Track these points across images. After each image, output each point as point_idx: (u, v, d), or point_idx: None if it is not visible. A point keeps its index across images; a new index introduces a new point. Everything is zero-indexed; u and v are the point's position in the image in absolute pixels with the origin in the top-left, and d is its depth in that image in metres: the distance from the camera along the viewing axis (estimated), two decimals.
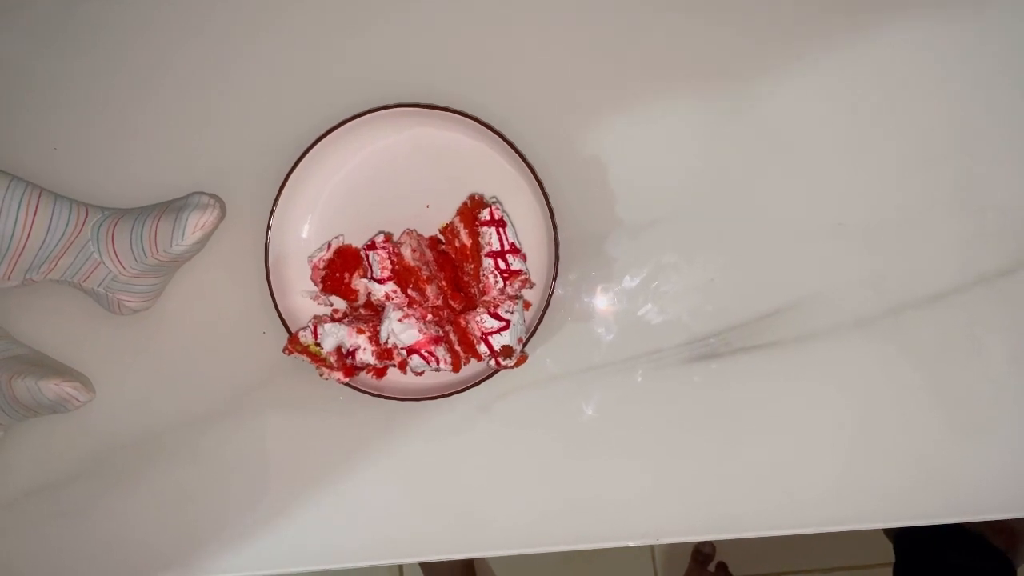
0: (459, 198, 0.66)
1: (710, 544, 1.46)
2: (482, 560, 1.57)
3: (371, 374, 0.66)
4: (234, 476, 0.71)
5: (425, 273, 0.64)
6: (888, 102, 0.66)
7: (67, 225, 0.66)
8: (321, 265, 0.66)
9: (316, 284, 0.66)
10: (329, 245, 0.67)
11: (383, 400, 0.67)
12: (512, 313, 0.60)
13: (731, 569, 1.45)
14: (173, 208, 0.66)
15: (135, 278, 0.67)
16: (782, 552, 1.53)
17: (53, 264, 0.67)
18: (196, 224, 0.64)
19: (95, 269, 0.67)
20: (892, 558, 1.08)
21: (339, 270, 0.66)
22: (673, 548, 1.54)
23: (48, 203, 0.66)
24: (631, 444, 0.68)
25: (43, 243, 0.66)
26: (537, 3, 0.69)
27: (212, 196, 0.67)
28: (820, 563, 1.54)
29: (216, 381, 0.72)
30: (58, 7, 0.74)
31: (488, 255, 0.61)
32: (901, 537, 1.08)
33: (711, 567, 1.45)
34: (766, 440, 0.67)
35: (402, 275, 0.63)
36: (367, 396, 0.66)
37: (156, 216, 0.65)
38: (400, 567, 1.61)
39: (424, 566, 1.51)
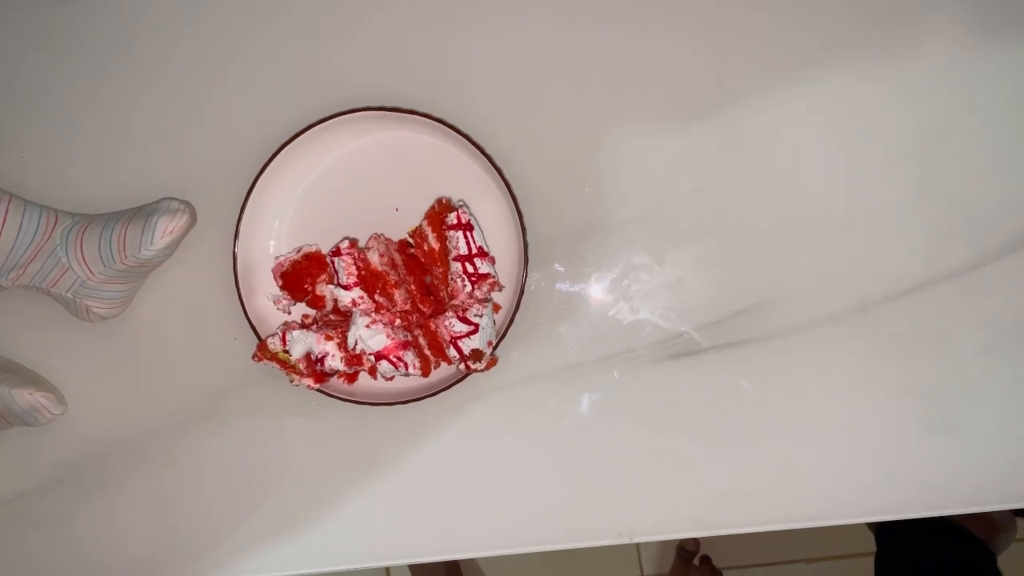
0: (428, 201, 0.66)
1: (693, 539, 1.47)
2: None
3: (342, 379, 0.66)
4: (209, 482, 0.71)
5: (393, 278, 0.63)
6: (855, 100, 0.66)
7: (36, 231, 0.65)
8: (286, 264, 0.66)
9: (276, 280, 0.66)
10: (299, 250, 0.66)
11: (356, 404, 0.66)
12: (481, 316, 0.60)
13: (715, 562, 1.45)
14: (143, 213, 0.65)
15: (104, 284, 0.66)
16: (765, 544, 1.54)
17: (22, 270, 0.66)
18: (165, 229, 0.63)
19: (63, 274, 0.66)
20: (874, 548, 1.09)
21: (305, 275, 0.65)
22: (658, 543, 1.55)
23: (17, 209, 0.65)
24: (605, 443, 0.68)
25: (12, 249, 0.65)
26: (505, 6, 0.69)
27: (182, 201, 0.66)
28: (803, 554, 1.54)
29: (188, 387, 0.71)
30: (25, 14, 0.73)
31: (456, 259, 0.61)
32: (882, 527, 1.09)
33: (695, 561, 1.46)
34: (740, 438, 0.67)
35: (369, 280, 0.63)
36: (340, 401, 0.66)
37: (125, 221, 0.65)
38: (387, 569, 1.61)
39: (411, 565, 1.52)
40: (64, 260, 0.66)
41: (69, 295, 0.67)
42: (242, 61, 0.71)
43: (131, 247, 0.64)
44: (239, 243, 0.66)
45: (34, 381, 0.69)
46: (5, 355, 0.72)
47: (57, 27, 0.73)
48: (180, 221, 0.64)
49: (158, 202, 0.66)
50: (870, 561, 1.07)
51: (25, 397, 0.66)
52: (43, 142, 0.73)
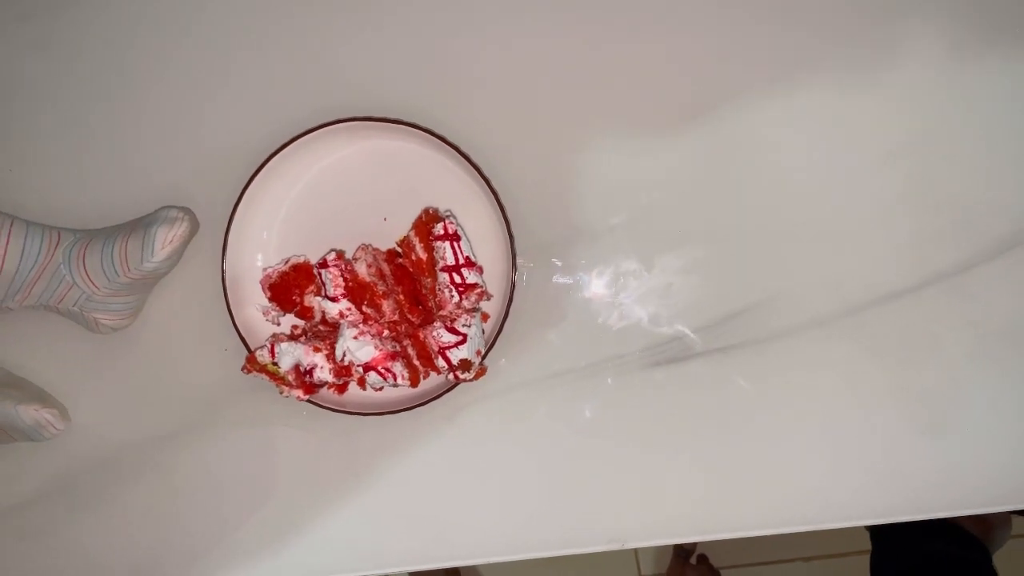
0: (417, 209, 0.66)
1: None
2: None
3: (332, 390, 0.66)
4: (202, 492, 0.71)
5: (381, 288, 0.63)
6: (842, 104, 0.66)
7: (39, 253, 0.65)
8: (274, 275, 0.66)
9: (264, 291, 0.66)
10: (287, 261, 0.66)
11: (346, 415, 0.66)
12: (469, 327, 0.60)
13: (712, 560, 1.45)
14: (142, 224, 0.65)
15: (110, 297, 0.66)
16: (762, 543, 1.54)
17: (28, 291, 0.66)
18: (165, 239, 0.63)
19: (69, 291, 0.66)
20: (870, 546, 1.09)
21: (293, 287, 0.65)
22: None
23: (20, 233, 0.65)
24: (597, 449, 0.68)
25: (16, 272, 0.65)
26: (491, 15, 0.68)
27: (182, 209, 0.65)
28: (800, 553, 1.55)
29: (181, 398, 0.72)
30: (9, 25, 0.73)
31: (443, 269, 0.61)
32: (878, 525, 1.09)
33: (692, 560, 1.46)
34: (730, 442, 0.67)
35: (356, 291, 0.63)
36: (330, 411, 0.66)
37: (125, 234, 0.65)
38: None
39: (411, 572, 1.52)
40: (68, 278, 0.65)
41: (76, 309, 0.67)
42: (229, 73, 0.71)
43: (133, 260, 0.63)
44: (227, 256, 0.66)
45: (39, 397, 0.69)
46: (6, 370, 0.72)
47: (42, 40, 0.73)
48: (179, 230, 0.63)
49: (157, 212, 0.66)
50: (866, 559, 1.07)
51: (31, 413, 0.66)
52: (29, 158, 0.73)
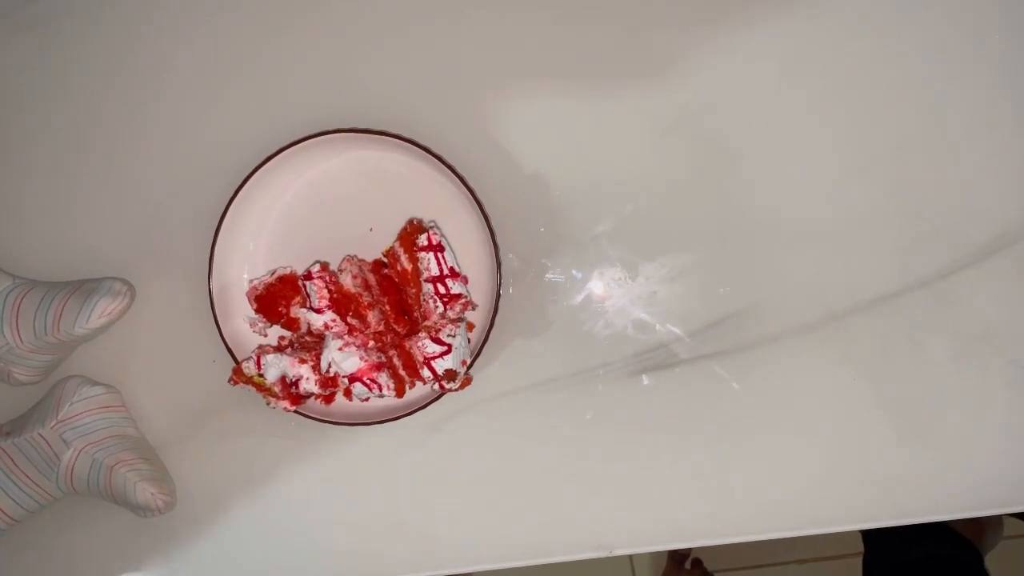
0: (403, 219, 0.66)
1: None
2: None
3: (319, 400, 0.66)
4: (190, 505, 0.71)
5: (366, 299, 0.64)
6: (824, 109, 0.67)
7: None
8: (260, 287, 0.66)
9: (251, 303, 0.66)
10: (274, 272, 0.66)
11: (333, 425, 0.67)
12: (454, 337, 0.60)
13: (706, 564, 1.46)
14: (84, 290, 0.65)
15: (31, 353, 0.66)
16: (756, 546, 1.54)
17: None
18: (104, 310, 0.64)
19: None
20: (862, 549, 1.09)
21: (279, 298, 0.65)
22: None
23: None
24: (583, 456, 0.68)
25: None
26: (469, 23, 0.69)
27: (125, 282, 0.67)
28: (793, 556, 1.55)
29: (169, 410, 0.72)
30: None
31: (427, 280, 0.61)
32: (870, 528, 1.09)
33: (687, 564, 1.46)
34: (715, 449, 0.67)
35: (341, 303, 0.63)
36: (318, 422, 0.67)
37: (66, 295, 0.65)
38: None
39: None
40: None
41: None
42: (215, 86, 0.71)
43: (65, 323, 0.64)
44: (214, 268, 0.66)
45: (159, 479, 0.68)
46: None
47: (35, 58, 0.73)
48: (120, 304, 0.65)
49: (101, 281, 0.67)
50: (859, 562, 1.08)
51: (146, 495, 0.66)
52: (13, 172, 0.73)
